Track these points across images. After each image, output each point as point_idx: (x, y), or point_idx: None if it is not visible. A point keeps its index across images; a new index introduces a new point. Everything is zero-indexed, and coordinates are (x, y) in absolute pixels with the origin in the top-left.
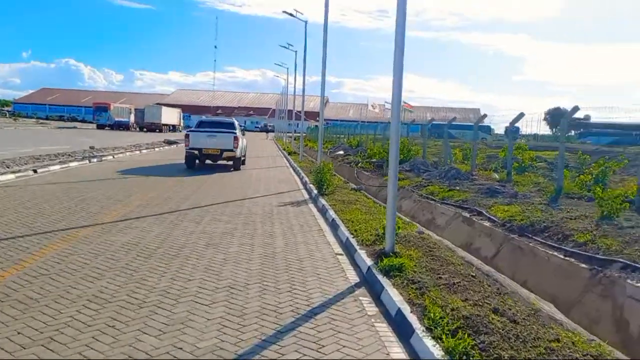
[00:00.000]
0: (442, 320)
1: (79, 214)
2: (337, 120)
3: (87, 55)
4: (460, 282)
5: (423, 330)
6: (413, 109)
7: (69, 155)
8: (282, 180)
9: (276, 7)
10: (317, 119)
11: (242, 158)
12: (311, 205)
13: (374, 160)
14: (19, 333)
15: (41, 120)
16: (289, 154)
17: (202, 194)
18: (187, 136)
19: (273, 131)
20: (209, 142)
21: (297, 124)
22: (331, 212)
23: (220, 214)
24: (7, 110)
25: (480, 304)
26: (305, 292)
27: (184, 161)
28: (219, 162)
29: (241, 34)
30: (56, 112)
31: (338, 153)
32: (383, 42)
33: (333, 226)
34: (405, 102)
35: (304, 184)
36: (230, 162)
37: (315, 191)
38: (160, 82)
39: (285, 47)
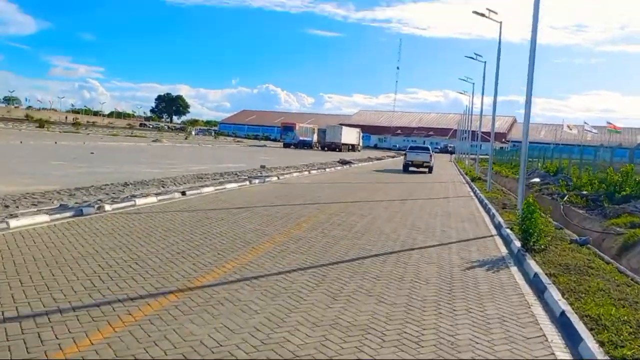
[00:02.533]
0: None
1: (181, 265)
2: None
3: (284, 80)
4: None
5: None
6: (620, 130)
7: (235, 174)
8: (466, 219)
9: (461, 27)
10: (504, 140)
11: (432, 166)
12: (514, 270)
13: (584, 192)
14: None
15: (238, 139)
16: (472, 179)
17: (356, 235)
18: (405, 154)
19: (454, 152)
20: (416, 157)
21: (480, 146)
22: (555, 295)
23: (373, 279)
24: (214, 130)
25: None
26: None
27: (401, 168)
28: (420, 169)
29: (424, 56)
30: (253, 132)
31: (533, 180)
32: (580, 58)
33: (566, 329)
34: (609, 123)
35: (497, 227)
36: (427, 170)
37: (517, 243)
38: (345, 104)
39: (472, 58)
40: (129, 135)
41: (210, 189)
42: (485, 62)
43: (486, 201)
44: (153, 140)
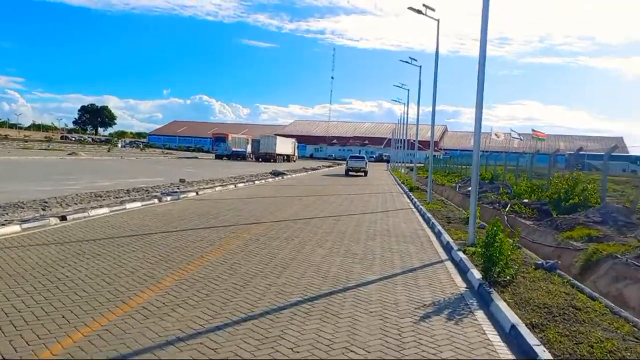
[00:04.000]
0: None
1: None
2: (456, 149)
3: (218, 91)
4: None
5: None
6: (545, 137)
7: (146, 191)
8: (409, 238)
9: (393, 39)
10: (436, 148)
11: (367, 170)
12: (481, 317)
13: (526, 201)
14: None
15: (167, 151)
16: (410, 189)
17: (275, 270)
18: (347, 162)
19: (389, 161)
20: (355, 164)
21: (415, 154)
22: None
23: (287, 353)
24: (142, 142)
25: None
26: None
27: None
28: (358, 173)
29: (358, 68)
30: (185, 143)
31: (470, 189)
32: (503, 70)
33: None
34: (534, 130)
35: (446, 248)
36: (362, 174)
37: (476, 273)
38: (282, 115)
39: (407, 62)
40: (44, 148)
41: (105, 210)
42: (420, 66)
43: (428, 215)
44: (68, 154)
